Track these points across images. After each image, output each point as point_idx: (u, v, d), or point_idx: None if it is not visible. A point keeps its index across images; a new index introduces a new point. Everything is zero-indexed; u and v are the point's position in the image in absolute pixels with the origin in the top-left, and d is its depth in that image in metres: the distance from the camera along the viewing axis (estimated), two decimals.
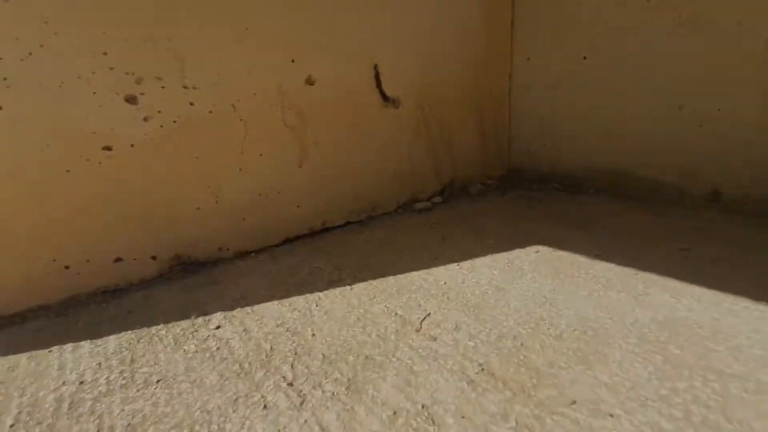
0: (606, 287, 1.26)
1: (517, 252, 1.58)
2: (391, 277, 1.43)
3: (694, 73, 1.99)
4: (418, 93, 2.24)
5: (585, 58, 2.39)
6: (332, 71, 1.85)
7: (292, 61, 1.71)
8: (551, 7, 2.48)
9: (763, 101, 1.81)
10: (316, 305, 1.27)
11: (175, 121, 1.45)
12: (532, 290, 1.27)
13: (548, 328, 1.06)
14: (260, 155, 1.71)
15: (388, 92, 2.10)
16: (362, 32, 1.94)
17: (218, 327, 1.20)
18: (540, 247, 1.61)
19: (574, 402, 0.81)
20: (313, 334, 1.11)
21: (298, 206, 1.86)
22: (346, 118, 1.95)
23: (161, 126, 1.43)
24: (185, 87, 1.45)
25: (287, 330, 1.14)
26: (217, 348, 1.09)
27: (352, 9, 1.88)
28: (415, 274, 1.45)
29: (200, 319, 1.24)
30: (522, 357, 0.95)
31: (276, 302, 1.31)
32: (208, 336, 1.15)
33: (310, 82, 1.79)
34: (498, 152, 2.83)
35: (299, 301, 1.31)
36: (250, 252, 1.75)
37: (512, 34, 2.72)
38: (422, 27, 2.19)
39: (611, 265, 1.41)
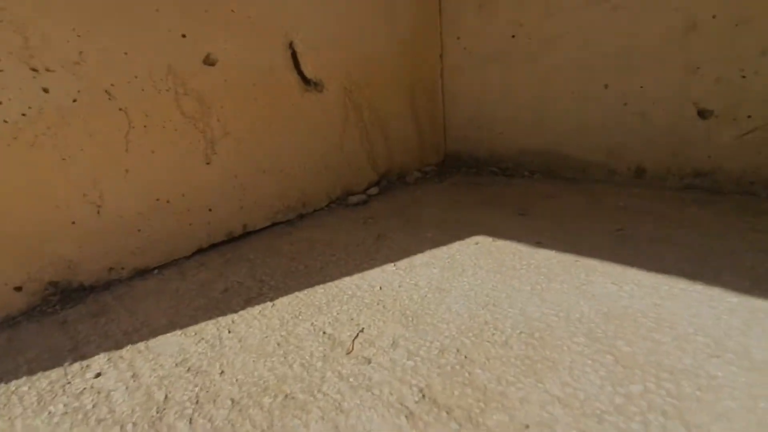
0: (549, 278, 1.18)
1: (456, 245, 1.48)
2: (321, 286, 1.25)
3: (618, 51, 2.00)
4: (344, 75, 2.04)
5: (513, 36, 2.33)
6: (237, 49, 1.59)
7: (183, 36, 1.43)
8: None
9: (682, 77, 1.85)
10: (229, 332, 1.06)
11: (24, 114, 1.13)
12: (474, 289, 1.16)
13: (493, 334, 0.95)
14: (152, 152, 1.43)
15: (309, 74, 1.88)
16: (272, 4, 1.69)
17: (99, 374, 0.95)
18: (479, 238, 1.52)
19: (527, 427, 0.70)
20: (222, 372, 0.91)
21: (210, 210, 1.60)
22: (261, 104, 1.71)
23: (4, 121, 1.10)
24: (34, 69, 1.13)
25: (189, 369, 0.93)
26: (94, 405, 0.85)
27: None
28: (347, 279, 1.28)
29: (76, 365, 0.98)
30: (467, 374, 0.83)
31: (179, 332, 1.08)
32: (84, 389, 0.90)
33: (209, 62, 1.52)
34: (434, 138, 2.73)
35: (208, 328, 1.08)
36: (153, 269, 1.48)
37: (441, 12, 2.60)
38: (346, 2, 1.98)
39: (552, 253, 1.35)
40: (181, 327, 1.10)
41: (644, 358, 0.83)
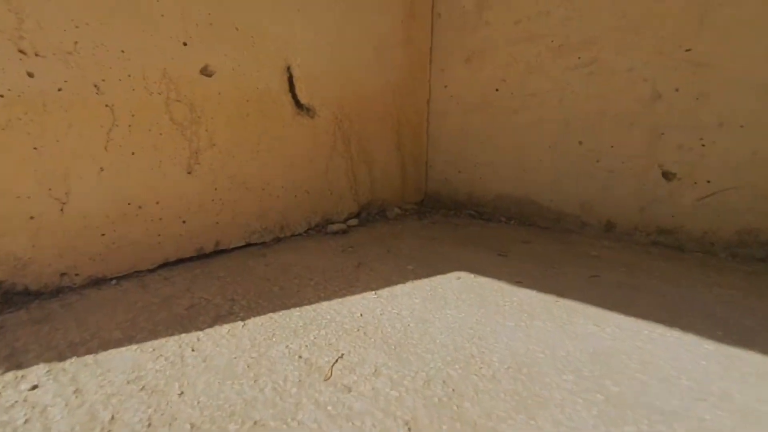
0: (531, 316, 1.17)
1: (438, 279, 1.45)
2: (297, 309, 1.18)
3: (592, 111, 2.16)
4: (336, 106, 2.08)
5: (497, 90, 2.48)
6: (236, 64, 1.59)
7: (184, 44, 1.42)
8: (465, 39, 2.56)
9: (649, 140, 2.01)
10: (193, 350, 0.96)
11: (1, 96, 1.05)
12: (458, 321, 1.13)
13: (480, 368, 0.91)
14: (133, 153, 1.36)
15: (303, 99, 1.90)
16: (275, 27, 1.73)
17: (35, 387, 0.82)
18: (461, 273, 1.51)
19: None
20: (182, 393, 0.81)
21: (183, 221, 1.52)
22: (252, 121, 1.69)
23: None
24: (22, 51, 1.07)
25: (143, 388, 0.82)
26: (26, 421, 0.73)
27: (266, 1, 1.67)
28: (326, 304, 1.22)
29: (10, 375, 0.85)
30: (455, 408, 0.78)
31: (134, 347, 0.97)
32: (16, 401, 0.78)
33: (206, 72, 1.50)
34: (416, 177, 2.78)
35: (169, 344, 0.98)
36: (111, 279, 1.35)
37: (431, 62, 2.75)
38: (342, 40, 2.06)
39: (533, 292, 1.35)
40: (138, 342, 0.99)
41: (634, 398, 0.81)
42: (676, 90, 1.91)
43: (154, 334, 1.02)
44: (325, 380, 0.85)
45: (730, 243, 1.86)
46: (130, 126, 1.35)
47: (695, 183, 1.92)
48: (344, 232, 2.09)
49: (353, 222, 2.24)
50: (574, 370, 0.91)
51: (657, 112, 1.97)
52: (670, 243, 2.00)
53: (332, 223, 2.16)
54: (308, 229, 2.05)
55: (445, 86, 2.71)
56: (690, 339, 1.05)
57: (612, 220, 2.17)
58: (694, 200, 1.93)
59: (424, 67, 2.71)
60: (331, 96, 2.04)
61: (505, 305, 1.24)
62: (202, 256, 1.60)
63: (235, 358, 0.92)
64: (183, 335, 1.02)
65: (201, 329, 1.05)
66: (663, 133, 1.97)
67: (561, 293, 1.34)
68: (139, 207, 1.39)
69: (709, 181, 1.88)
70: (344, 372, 0.88)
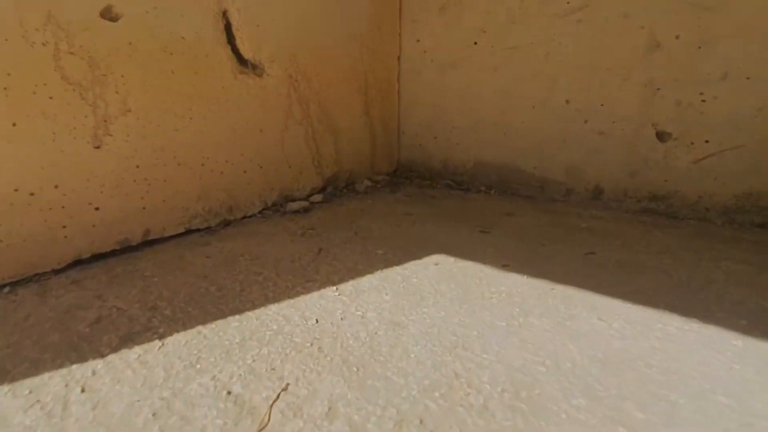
0: (524, 311, 0.97)
1: (413, 265, 1.23)
2: (236, 318, 0.94)
3: (581, 65, 1.92)
4: (290, 62, 1.75)
5: (476, 43, 2.20)
6: (150, 6, 1.25)
7: None
8: None
9: (643, 98, 1.80)
10: (83, 389, 0.71)
11: None
12: (437, 324, 0.92)
13: (467, 394, 0.70)
14: (14, 125, 1.04)
15: (246, 53, 1.57)
16: None
17: None
18: (439, 257, 1.30)
19: None
20: None
21: (96, 208, 1.22)
22: (179, 80, 1.37)
23: None
24: None
25: None
26: None
27: None
28: (273, 308, 0.98)
29: None
30: None
31: (4, 388, 0.71)
32: None
33: (109, 16, 1.16)
34: (388, 144, 2.51)
35: (53, 382, 0.72)
36: (3, 286, 1.06)
37: (400, 11, 2.41)
38: None
39: (523, 278, 1.15)
40: (12, 380, 0.73)
41: (666, 430, 0.63)
42: (677, 38, 1.68)
43: (36, 368, 0.76)
44: (259, 431, 0.62)
45: (727, 208, 1.71)
46: (5, 89, 1.02)
47: (692, 144, 1.74)
48: (306, 210, 1.83)
49: (317, 198, 1.97)
50: (585, 388, 0.71)
51: (654, 65, 1.75)
52: (662, 210, 1.84)
53: (293, 200, 1.89)
54: (264, 209, 1.78)
55: (418, 40, 2.39)
56: (712, 333, 0.88)
57: (600, 186, 1.99)
58: (690, 162, 1.76)
59: (394, 17, 2.38)
60: (282, 50, 1.71)
61: (492, 297, 1.04)
62: (127, 249, 1.32)
63: (139, 401, 0.68)
64: (75, 366, 0.77)
65: (102, 355, 0.80)
66: (659, 89, 1.76)
67: (555, 278, 1.15)
68: (31, 194, 1.09)
69: (707, 141, 1.71)
70: (287, 414, 0.66)
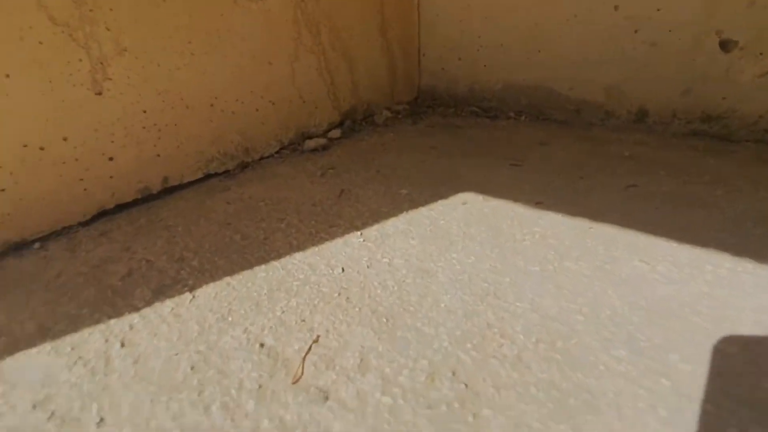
0: (560, 254, 0.92)
1: (440, 206, 1.17)
2: (261, 268, 0.93)
3: None
4: None
5: None
6: None
7: None
8: None
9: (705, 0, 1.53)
10: (122, 344, 0.73)
11: None
12: (467, 271, 0.88)
13: (501, 345, 0.68)
14: (7, 76, 0.97)
15: None
16: None
17: None
18: (467, 196, 1.23)
19: None
20: (101, 420, 0.60)
21: (110, 158, 1.19)
22: (172, 9, 1.23)
23: None
24: None
25: (52, 416, 0.61)
26: None
27: None
28: (298, 257, 0.96)
29: None
30: (470, 419, 0.56)
31: (48, 347, 0.74)
32: None
33: None
34: (408, 69, 2.31)
35: (93, 338, 0.75)
36: (33, 241, 1.08)
37: None
38: None
39: (558, 217, 1.08)
40: (53, 337, 0.76)
41: (714, 383, 0.59)
42: None
43: (74, 324, 0.79)
44: (293, 383, 0.63)
45: None
46: None
47: (761, 54, 1.50)
48: (325, 147, 1.75)
49: (335, 133, 1.88)
50: (627, 338, 0.68)
51: None
52: (714, 132, 1.66)
53: (310, 137, 1.80)
54: (281, 149, 1.71)
55: None
56: None
57: (644, 107, 1.79)
58: (755, 76, 1.54)
59: None
60: None
61: (525, 240, 0.99)
62: (149, 198, 1.31)
63: (177, 355, 0.70)
64: (113, 321, 0.79)
65: (137, 309, 0.82)
66: None
67: (593, 216, 1.07)
68: (41, 148, 1.05)
69: None
70: (319, 366, 0.66)
